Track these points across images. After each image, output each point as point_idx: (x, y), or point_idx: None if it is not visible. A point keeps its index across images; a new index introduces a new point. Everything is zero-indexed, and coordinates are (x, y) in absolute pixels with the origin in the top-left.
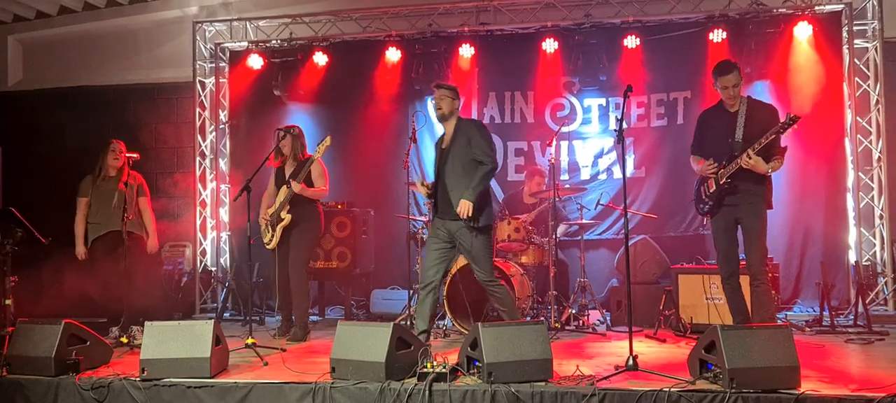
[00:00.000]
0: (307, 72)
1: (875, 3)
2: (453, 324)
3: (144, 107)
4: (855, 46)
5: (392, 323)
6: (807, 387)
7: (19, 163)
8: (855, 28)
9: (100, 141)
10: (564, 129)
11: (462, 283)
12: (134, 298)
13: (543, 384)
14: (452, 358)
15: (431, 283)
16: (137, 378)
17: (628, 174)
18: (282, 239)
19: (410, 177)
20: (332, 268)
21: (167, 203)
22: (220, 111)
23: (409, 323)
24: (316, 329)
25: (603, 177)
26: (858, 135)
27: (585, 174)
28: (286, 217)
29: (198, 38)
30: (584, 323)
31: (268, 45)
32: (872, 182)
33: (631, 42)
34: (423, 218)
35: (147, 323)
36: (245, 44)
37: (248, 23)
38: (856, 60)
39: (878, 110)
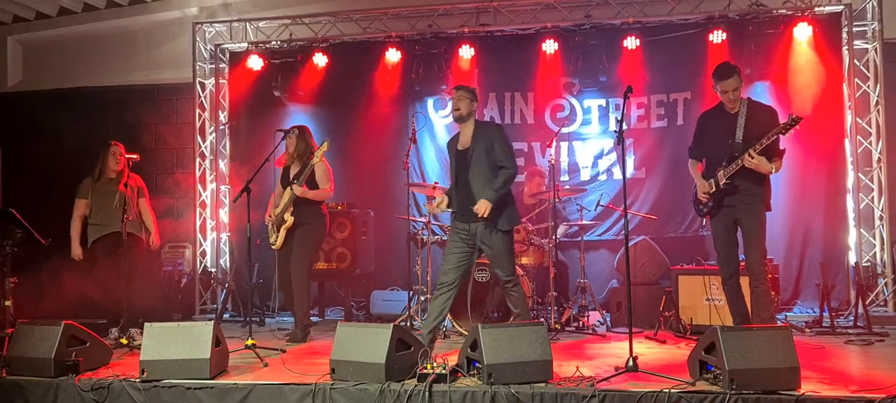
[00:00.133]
0: (307, 73)
1: (875, 5)
2: (453, 325)
3: (144, 107)
4: (855, 47)
5: (392, 324)
6: (807, 388)
7: (19, 164)
8: (855, 29)
9: (99, 142)
10: (564, 130)
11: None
12: (133, 299)
13: (543, 385)
14: (452, 359)
15: (447, 285)
16: (137, 380)
17: (628, 175)
18: (285, 241)
19: (410, 177)
20: (331, 269)
21: (167, 204)
22: (220, 112)
23: (408, 324)
24: (316, 329)
25: (603, 177)
26: (858, 136)
27: (585, 175)
28: (289, 219)
29: (198, 38)
30: (584, 324)
31: (268, 46)
32: (872, 183)
33: (631, 43)
34: (422, 219)
35: (147, 325)
36: (245, 45)
37: (247, 24)
38: (856, 61)
39: (878, 111)
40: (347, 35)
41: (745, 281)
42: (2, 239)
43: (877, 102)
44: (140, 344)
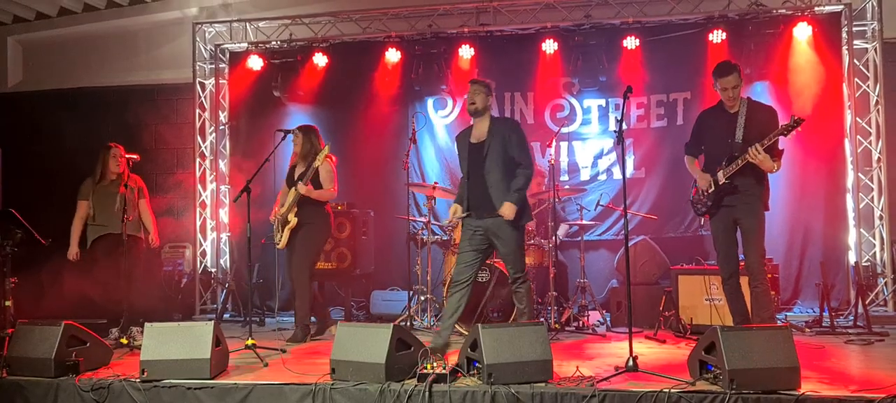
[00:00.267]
0: (307, 73)
1: (874, 4)
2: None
3: (144, 108)
4: (854, 47)
5: (392, 324)
6: (807, 388)
7: (19, 164)
8: (854, 29)
9: (100, 142)
10: (564, 130)
11: None
12: (134, 299)
13: (543, 385)
14: (452, 359)
15: (462, 283)
16: (137, 380)
17: (628, 175)
18: (289, 240)
19: (410, 177)
20: (331, 269)
21: (167, 204)
22: (220, 112)
23: (408, 323)
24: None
25: (603, 177)
26: (858, 136)
27: (585, 175)
28: (293, 219)
29: (197, 39)
30: (583, 323)
31: (267, 46)
32: (872, 182)
33: (630, 43)
34: (422, 219)
35: (147, 325)
36: (245, 45)
37: (247, 24)
38: (855, 61)
39: (878, 111)
40: (347, 35)
41: (744, 281)
42: (2, 239)
43: (876, 102)
44: (140, 344)
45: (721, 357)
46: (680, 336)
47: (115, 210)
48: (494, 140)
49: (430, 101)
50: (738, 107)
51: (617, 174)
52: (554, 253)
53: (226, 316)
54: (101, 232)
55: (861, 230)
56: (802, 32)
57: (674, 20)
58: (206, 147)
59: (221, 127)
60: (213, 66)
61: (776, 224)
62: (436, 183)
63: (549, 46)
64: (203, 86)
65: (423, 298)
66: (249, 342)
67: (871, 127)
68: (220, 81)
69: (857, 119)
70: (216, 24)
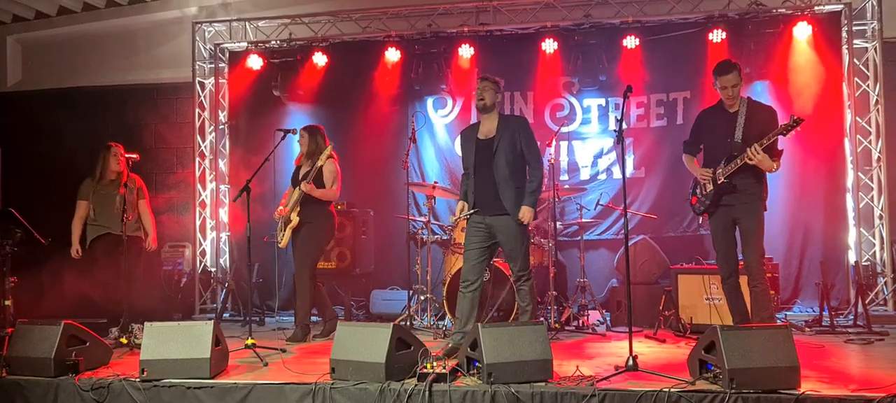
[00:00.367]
0: (307, 72)
1: (874, 4)
2: (453, 325)
3: (144, 107)
4: (854, 46)
5: (392, 324)
6: (807, 387)
7: (19, 164)
8: (854, 28)
9: (99, 141)
10: (564, 130)
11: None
12: (133, 299)
13: (543, 384)
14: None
15: (472, 283)
16: (137, 379)
17: (628, 174)
18: (292, 240)
19: (410, 177)
20: (331, 269)
21: (167, 203)
22: (220, 111)
23: (408, 323)
24: (316, 329)
25: (602, 177)
26: (858, 136)
27: (585, 174)
28: (295, 218)
29: (197, 38)
30: (583, 323)
31: (267, 45)
32: (872, 182)
33: (630, 42)
34: (422, 219)
35: (146, 324)
36: (244, 44)
37: (247, 23)
38: (855, 60)
39: (878, 110)
40: (347, 34)
41: (744, 281)
42: (2, 238)
43: (876, 101)
44: (140, 344)
45: (721, 357)
46: (680, 336)
47: (115, 209)
48: (503, 137)
49: (429, 101)
50: (738, 107)
51: (617, 173)
52: (554, 253)
53: (225, 315)
54: (101, 232)
55: (861, 229)
56: (802, 32)
57: (674, 19)
58: (205, 146)
59: (221, 126)
60: (213, 66)
61: (776, 223)
62: (435, 182)
63: (549, 46)
64: (203, 85)
65: (422, 298)
66: (249, 341)
67: (870, 126)
68: (220, 81)
69: (857, 118)
70: (216, 24)
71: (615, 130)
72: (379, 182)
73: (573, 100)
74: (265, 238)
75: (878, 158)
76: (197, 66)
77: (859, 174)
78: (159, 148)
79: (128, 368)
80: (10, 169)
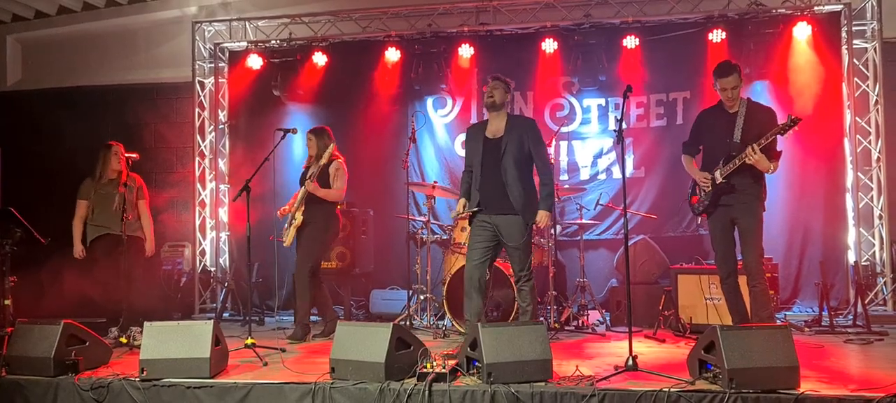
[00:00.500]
0: (306, 72)
1: (874, 4)
2: (453, 324)
3: (144, 107)
4: (854, 47)
5: (391, 324)
6: (806, 387)
7: (19, 163)
8: (854, 28)
9: (99, 141)
10: (564, 130)
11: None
12: (133, 298)
13: (543, 384)
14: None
15: (476, 282)
16: (137, 379)
17: (628, 174)
18: (296, 239)
19: (410, 177)
20: (331, 268)
21: (166, 203)
22: (220, 111)
23: (408, 323)
24: (316, 329)
25: (602, 177)
26: (857, 136)
27: (585, 174)
28: (299, 217)
29: (197, 38)
30: (583, 323)
31: (267, 45)
32: (871, 182)
33: (630, 42)
34: (422, 219)
35: (146, 324)
36: (244, 44)
37: (247, 23)
38: (855, 61)
39: (878, 110)
40: (347, 34)
41: (743, 280)
42: (2, 238)
43: (876, 101)
44: (140, 343)
45: (720, 357)
46: (679, 336)
47: (114, 210)
48: (512, 137)
49: (429, 101)
50: (738, 108)
51: (616, 173)
52: (553, 253)
53: (225, 315)
54: (101, 232)
55: (860, 229)
56: (802, 32)
57: (673, 19)
58: (205, 146)
59: (221, 126)
60: (213, 65)
61: (775, 223)
62: (435, 182)
63: (549, 46)
64: (202, 85)
65: (422, 297)
66: (249, 341)
67: (870, 126)
68: (220, 80)
69: (857, 118)
70: (215, 23)
71: (615, 130)
72: (379, 182)
73: (573, 99)
74: (271, 236)
75: (878, 158)
76: (197, 66)
77: (859, 174)
78: (159, 147)
79: (127, 368)
80: (10, 168)
